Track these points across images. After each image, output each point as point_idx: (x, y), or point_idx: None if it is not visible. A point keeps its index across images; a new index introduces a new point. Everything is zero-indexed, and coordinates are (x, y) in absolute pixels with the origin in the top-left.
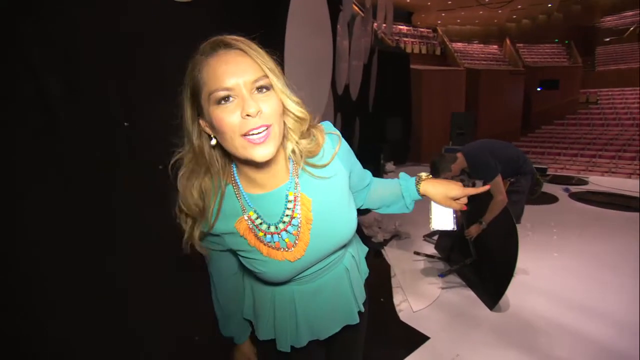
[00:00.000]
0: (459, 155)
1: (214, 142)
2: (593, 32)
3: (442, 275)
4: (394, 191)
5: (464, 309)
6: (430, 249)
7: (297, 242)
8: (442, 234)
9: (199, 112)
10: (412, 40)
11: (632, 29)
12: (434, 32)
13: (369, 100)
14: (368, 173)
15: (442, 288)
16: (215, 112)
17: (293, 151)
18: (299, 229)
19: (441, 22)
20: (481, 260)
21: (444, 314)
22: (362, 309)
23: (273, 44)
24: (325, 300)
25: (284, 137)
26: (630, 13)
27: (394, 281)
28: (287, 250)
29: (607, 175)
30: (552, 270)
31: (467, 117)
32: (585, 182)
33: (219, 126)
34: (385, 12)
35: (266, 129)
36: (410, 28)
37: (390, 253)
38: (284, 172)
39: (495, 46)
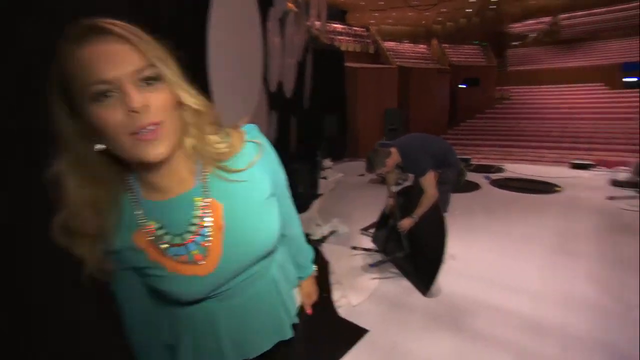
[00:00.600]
0: (393, 150)
1: (100, 146)
2: (504, 36)
3: (372, 265)
4: (296, 260)
5: (400, 298)
6: (367, 243)
7: (207, 254)
8: (378, 226)
9: (74, 111)
10: (347, 38)
11: (534, 35)
12: (368, 31)
13: (305, 98)
14: (296, 221)
15: (380, 279)
16: (94, 110)
17: (197, 150)
18: (209, 239)
19: (374, 22)
20: (413, 250)
21: (382, 305)
22: (295, 321)
23: (193, 41)
24: (252, 316)
25: (184, 134)
26: (533, 21)
27: (332, 277)
28: (196, 264)
29: (521, 163)
30: (479, 253)
31: (399, 113)
32: (502, 170)
33: (101, 126)
34: (318, 10)
35: (156, 125)
36: (345, 27)
37: (329, 249)
38: (189, 175)
39: (424, 46)
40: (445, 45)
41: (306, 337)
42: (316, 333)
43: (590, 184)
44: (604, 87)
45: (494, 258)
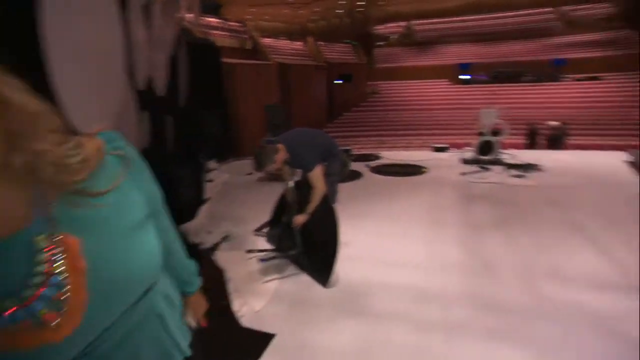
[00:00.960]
0: (280, 146)
1: None
2: (371, 36)
3: (264, 260)
4: (179, 278)
5: (302, 294)
6: (262, 243)
7: (65, 309)
8: (271, 225)
9: None
10: (223, 33)
11: (395, 37)
12: (244, 26)
13: (180, 95)
14: (175, 236)
15: (279, 279)
16: None
17: (34, 170)
18: (66, 289)
19: (251, 17)
20: (308, 244)
21: (285, 305)
22: (188, 353)
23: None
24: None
25: (9, 149)
26: (393, 25)
27: (230, 285)
28: (46, 328)
29: (394, 150)
30: (368, 237)
31: (280, 109)
32: (379, 157)
33: None
34: (190, 1)
35: None
36: (221, 21)
37: (223, 256)
38: (23, 206)
39: (300, 43)
40: (320, 43)
41: (209, 356)
42: (220, 349)
43: (448, 164)
44: (448, 83)
45: (382, 239)
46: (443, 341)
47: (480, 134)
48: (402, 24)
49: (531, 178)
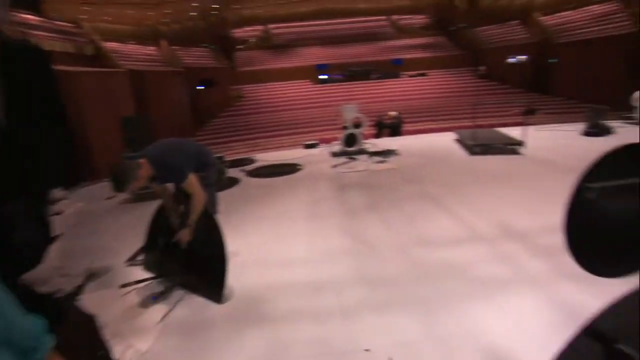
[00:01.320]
0: (143, 161)
1: None
2: (229, 40)
3: (155, 297)
4: (20, 348)
5: (195, 319)
6: (140, 273)
7: None
8: (147, 250)
9: None
10: (50, 35)
11: (254, 40)
12: (80, 28)
13: None
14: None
15: (167, 308)
16: None
17: None
18: None
19: (87, 17)
20: (194, 262)
21: (179, 335)
22: None
23: None
24: None
25: None
26: (250, 28)
27: (106, 332)
28: None
29: (268, 152)
30: (257, 241)
31: (138, 120)
32: (254, 161)
33: None
34: None
35: None
36: (44, 19)
37: (91, 300)
38: None
39: (153, 47)
40: (175, 47)
41: None
42: None
43: (320, 159)
44: (309, 83)
45: (269, 241)
46: (342, 325)
47: (344, 127)
48: (260, 27)
49: (391, 162)
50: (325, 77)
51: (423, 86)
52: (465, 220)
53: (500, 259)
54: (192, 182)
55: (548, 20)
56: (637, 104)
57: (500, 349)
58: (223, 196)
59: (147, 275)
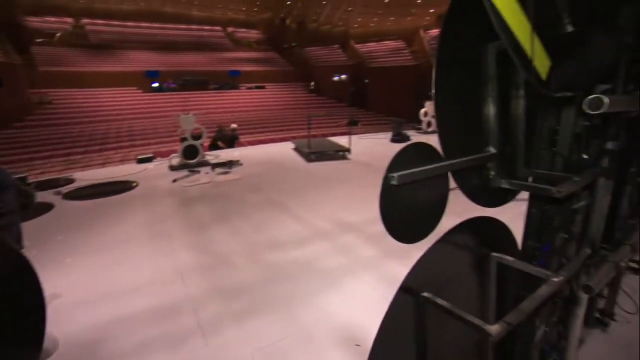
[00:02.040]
0: None
1: None
2: (24, 30)
3: None
4: None
5: None
6: None
7: None
8: None
9: None
10: None
11: (60, 34)
12: None
13: None
14: None
15: None
16: None
17: None
18: None
19: None
20: None
21: None
22: None
23: None
24: None
25: None
26: (54, 19)
27: None
28: None
29: (91, 169)
30: (88, 275)
31: None
32: (73, 180)
33: None
34: None
35: None
36: None
37: None
38: None
39: None
40: None
41: None
42: None
43: (157, 173)
44: (139, 91)
45: (104, 272)
46: (205, 344)
47: (183, 139)
48: (68, 20)
49: (235, 173)
50: (157, 85)
51: (261, 98)
52: (308, 221)
53: (340, 250)
54: None
55: (361, 47)
56: (423, 118)
57: (349, 324)
58: (32, 226)
59: None
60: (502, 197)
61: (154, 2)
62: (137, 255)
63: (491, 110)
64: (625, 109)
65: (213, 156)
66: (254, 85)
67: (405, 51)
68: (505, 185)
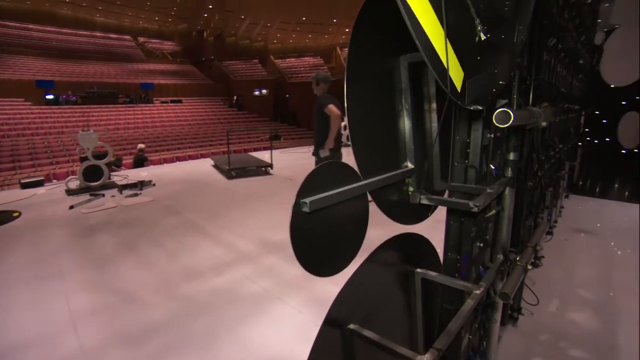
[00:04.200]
0: None
1: None
2: None
3: None
4: None
5: None
6: None
7: None
8: None
9: None
10: None
11: None
12: None
13: None
14: None
15: None
16: None
17: None
18: None
19: None
20: None
21: None
22: None
23: None
24: None
25: None
26: None
27: None
28: None
29: None
30: None
31: None
32: None
33: None
34: None
35: None
36: None
37: None
38: None
39: None
40: None
41: None
42: None
43: (49, 200)
44: (27, 103)
45: None
46: None
47: (84, 158)
48: None
49: (147, 194)
50: (52, 97)
51: (178, 113)
52: (229, 244)
53: (264, 273)
54: None
55: (281, 63)
56: (343, 132)
57: (279, 355)
58: None
59: None
60: (423, 213)
61: (43, 1)
62: (15, 304)
63: (406, 124)
64: (524, 122)
65: (121, 177)
66: (169, 99)
67: (324, 67)
68: (424, 201)
